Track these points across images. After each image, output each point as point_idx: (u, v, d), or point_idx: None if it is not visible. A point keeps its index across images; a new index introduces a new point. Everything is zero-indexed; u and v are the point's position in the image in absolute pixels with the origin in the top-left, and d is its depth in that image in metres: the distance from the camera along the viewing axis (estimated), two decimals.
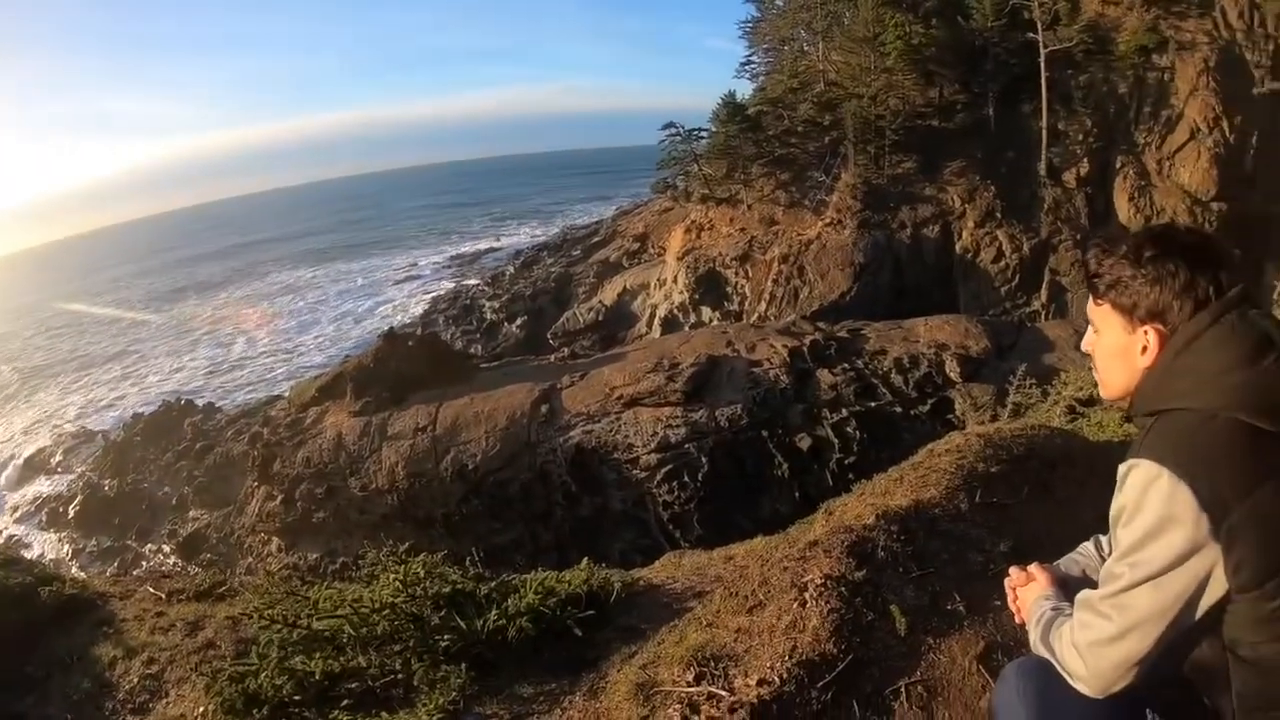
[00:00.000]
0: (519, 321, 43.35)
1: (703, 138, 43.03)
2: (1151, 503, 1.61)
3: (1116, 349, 1.87)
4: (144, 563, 28.91)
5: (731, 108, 40.16)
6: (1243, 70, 33.17)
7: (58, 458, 40.98)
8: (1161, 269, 1.75)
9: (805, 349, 26.00)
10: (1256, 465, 1.58)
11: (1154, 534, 1.61)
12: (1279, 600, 1.57)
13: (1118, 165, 34.16)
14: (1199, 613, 1.64)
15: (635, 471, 23.56)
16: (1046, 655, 1.88)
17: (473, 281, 57.92)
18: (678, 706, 2.73)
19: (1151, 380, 1.78)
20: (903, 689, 2.71)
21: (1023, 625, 2.08)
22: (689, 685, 2.79)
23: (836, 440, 23.57)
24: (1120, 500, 1.69)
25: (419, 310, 54.40)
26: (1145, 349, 1.79)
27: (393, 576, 3.74)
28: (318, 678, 3.37)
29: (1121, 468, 1.70)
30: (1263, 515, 1.55)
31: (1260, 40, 33.38)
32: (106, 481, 35.73)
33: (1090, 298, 1.93)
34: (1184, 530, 1.57)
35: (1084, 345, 2.02)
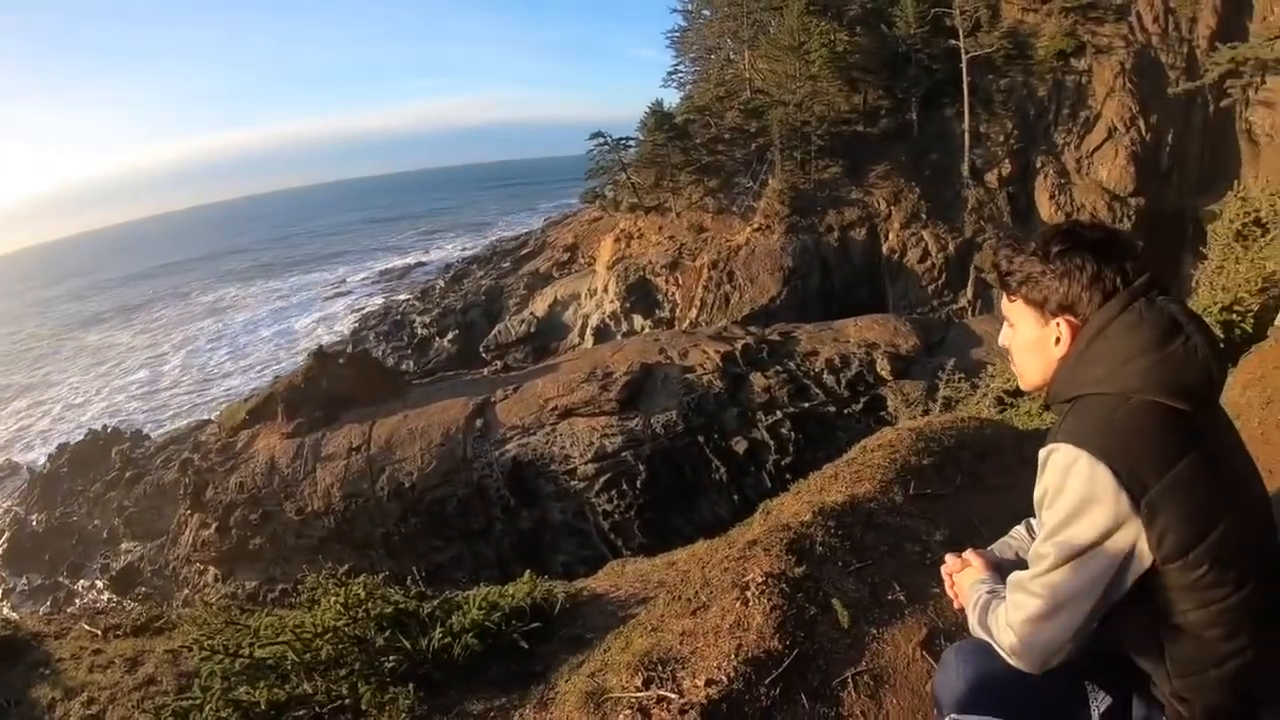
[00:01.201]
0: (450, 336, 42.75)
1: (630, 147, 43.01)
2: (1072, 484, 1.68)
3: (1031, 342, 1.94)
4: (77, 599, 27.81)
5: (659, 116, 40.18)
6: (1158, 72, 34.39)
7: None
8: (1069, 263, 1.82)
9: (738, 353, 26.18)
10: (1171, 443, 1.66)
11: (1076, 514, 1.68)
12: (1203, 568, 1.64)
13: (1038, 165, 35.25)
14: (1127, 585, 1.71)
15: (573, 482, 23.46)
16: (984, 637, 1.93)
17: (403, 297, 56.84)
18: (628, 712, 2.73)
19: (1066, 369, 1.85)
20: (850, 679, 2.77)
21: (961, 610, 2.12)
22: (638, 690, 2.80)
23: (772, 442, 23.78)
24: (1043, 483, 1.75)
25: (349, 327, 53.21)
26: (1059, 340, 1.86)
27: (334, 600, 3.68)
28: (263, 708, 3.30)
29: (1042, 453, 1.77)
30: (1181, 489, 1.63)
31: (1174, 43, 34.63)
32: (34, 516, 34.28)
33: (1004, 295, 2.00)
34: (1105, 508, 1.64)
35: (1001, 340, 2.08)
